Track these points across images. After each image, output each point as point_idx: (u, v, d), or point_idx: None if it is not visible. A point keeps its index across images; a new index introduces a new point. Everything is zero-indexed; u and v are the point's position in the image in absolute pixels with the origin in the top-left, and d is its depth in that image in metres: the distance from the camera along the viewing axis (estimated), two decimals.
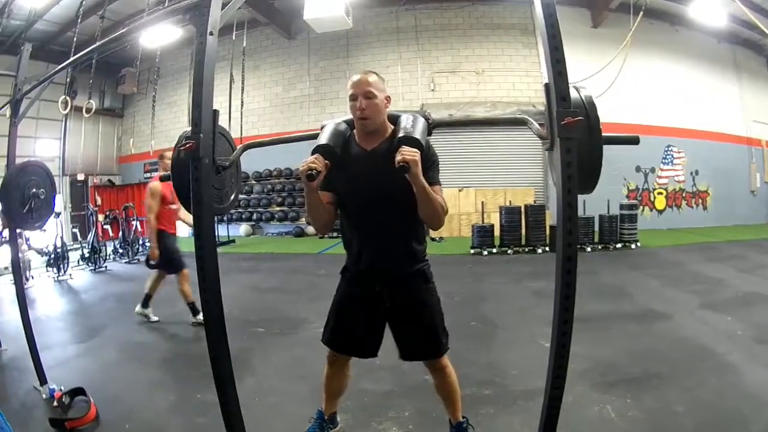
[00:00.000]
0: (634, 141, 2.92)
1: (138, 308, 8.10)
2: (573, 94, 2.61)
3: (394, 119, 3.44)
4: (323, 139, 3.36)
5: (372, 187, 3.33)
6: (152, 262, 7.91)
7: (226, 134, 3.51)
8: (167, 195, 7.75)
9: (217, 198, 3.30)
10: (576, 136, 2.50)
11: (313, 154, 3.26)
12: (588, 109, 2.67)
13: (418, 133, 3.18)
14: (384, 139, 3.41)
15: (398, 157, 2.97)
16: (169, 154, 7.98)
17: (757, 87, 21.38)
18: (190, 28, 16.39)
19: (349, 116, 3.49)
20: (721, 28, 18.47)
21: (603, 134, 2.67)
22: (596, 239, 15.00)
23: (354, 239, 3.55)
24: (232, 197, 3.61)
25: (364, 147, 3.44)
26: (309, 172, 3.10)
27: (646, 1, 15.74)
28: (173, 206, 7.94)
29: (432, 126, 3.43)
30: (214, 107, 2.85)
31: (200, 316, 7.58)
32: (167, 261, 7.87)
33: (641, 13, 15.51)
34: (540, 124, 2.91)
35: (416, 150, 3.03)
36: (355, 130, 3.51)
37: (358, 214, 3.50)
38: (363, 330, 3.59)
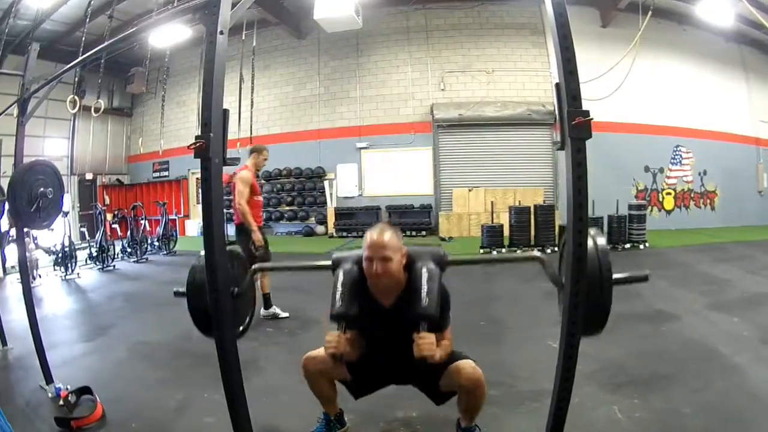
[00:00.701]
0: (643, 279, 3.04)
1: (262, 312, 7.99)
2: (589, 242, 2.73)
3: (409, 263, 3.49)
4: (339, 303, 3.41)
5: (395, 342, 3.40)
6: (257, 251, 7.54)
7: (237, 258, 3.49)
8: (256, 186, 7.96)
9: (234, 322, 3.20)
10: (586, 137, 2.49)
11: (332, 320, 3.41)
12: (600, 256, 2.82)
13: (433, 303, 3.28)
14: (400, 292, 3.50)
15: (416, 351, 3.17)
16: (266, 151, 8.34)
17: (765, 87, 21.23)
18: (200, 27, 16.38)
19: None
20: (728, 28, 18.36)
21: (613, 277, 2.75)
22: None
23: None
24: (248, 320, 3.59)
25: (382, 301, 3.52)
26: (333, 356, 3.34)
27: (654, 0, 15.70)
28: (259, 198, 8.28)
29: (446, 264, 3.53)
30: (224, 107, 2.84)
31: (273, 309, 8.07)
32: (265, 252, 7.80)
33: (650, 12, 15.47)
34: (550, 124, 2.92)
35: (432, 335, 3.23)
36: (368, 279, 3.49)
37: (381, 356, 3.68)
38: (372, 374, 3.80)
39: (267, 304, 8.03)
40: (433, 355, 3.15)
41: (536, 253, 3.23)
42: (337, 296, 3.40)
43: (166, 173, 24.07)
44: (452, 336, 3.60)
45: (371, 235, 3.39)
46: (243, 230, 7.65)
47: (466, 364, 3.48)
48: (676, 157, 20.16)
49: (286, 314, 8.06)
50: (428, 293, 3.28)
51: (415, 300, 3.27)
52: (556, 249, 14.12)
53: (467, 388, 3.49)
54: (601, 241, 2.84)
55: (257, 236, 7.53)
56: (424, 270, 3.37)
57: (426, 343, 3.14)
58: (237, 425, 2.97)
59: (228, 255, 3.09)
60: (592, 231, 2.82)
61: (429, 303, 3.25)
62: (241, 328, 3.43)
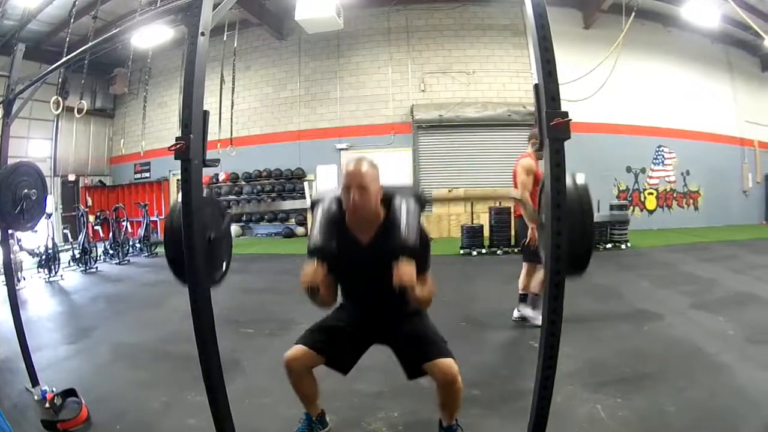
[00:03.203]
0: (625, 222, 3.04)
1: (517, 313, 7.37)
2: (568, 180, 2.67)
3: (387, 198, 3.49)
4: (317, 238, 3.42)
5: (372, 280, 3.39)
6: (530, 248, 6.81)
7: (214, 203, 3.47)
8: (539, 174, 7.00)
9: (210, 269, 3.14)
10: (565, 137, 2.51)
11: (309, 256, 3.38)
12: (581, 194, 2.78)
13: (412, 235, 3.30)
14: (378, 227, 3.48)
15: (395, 280, 3.13)
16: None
17: (751, 87, 21.49)
18: (182, 28, 16.35)
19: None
20: (714, 29, 18.53)
21: (595, 218, 2.75)
22: None
23: (352, 304, 3.75)
24: (224, 267, 3.54)
25: (359, 238, 3.51)
26: (312, 290, 3.28)
27: (638, 1, 15.78)
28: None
29: (426, 202, 3.59)
30: (205, 108, 2.84)
31: (527, 311, 7.25)
32: (534, 249, 6.74)
33: (633, 14, 15.54)
34: (530, 124, 2.96)
35: (412, 265, 3.20)
36: (347, 215, 3.51)
37: (358, 297, 3.70)
38: (344, 343, 3.69)
39: (524, 301, 7.31)
40: (413, 284, 3.15)
41: (514, 193, 3.24)
42: (315, 232, 3.43)
43: (147, 174, 23.97)
44: (432, 281, 3.54)
45: (349, 165, 3.41)
46: (524, 223, 7.17)
47: (443, 362, 3.45)
48: (658, 157, 20.31)
49: (538, 322, 6.66)
50: (407, 227, 3.31)
51: (394, 234, 3.31)
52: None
53: (441, 384, 3.49)
54: (581, 179, 2.82)
55: (534, 234, 6.78)
56: (402, 205, 3.40)
57: (406, 272, 3.14)
58: (219, 426, 2.97)
59: (207, 200, 3.11)
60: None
61: (408, 236, 3.28)
62: (216, 275, 3.36)
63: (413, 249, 3.25)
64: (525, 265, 7.29)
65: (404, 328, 3.62)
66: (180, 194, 2.87)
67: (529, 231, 6.88)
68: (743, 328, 6.74)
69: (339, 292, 3.72)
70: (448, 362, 3.46)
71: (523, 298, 7.32)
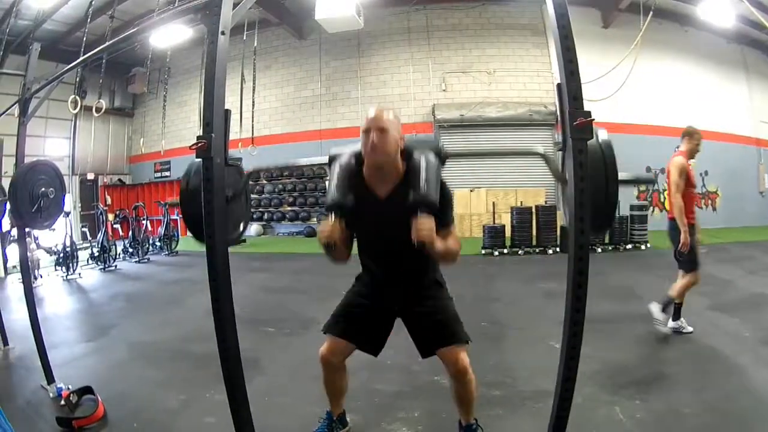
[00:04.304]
0: (650, 182, 2.96)
1: (670, 323, 6.74)
2: (591, 142, 2.60)
3: (407, 155, 3.42)
4: (335, 193, 3.33)
5: (390, 237, 3.36)
6: (681, 256, 6.59)
7: (235, 164, 3.47)
8: (692, 175, 6.83)
9: (228, 228, 3.15)
10: (588, 137, 2.49)
11: (327, 211, 3.30)
12: (605, 152, 2.70)
13: (432, 190, 3.19)
14: (397, 183, 3.40)
15: (414, 235, 3.04)
16: (698, 134, 7.07)
17: (766, 87, 21.26)
18: (201, 27, 16.42)
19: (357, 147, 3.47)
20: (730, 29, 18.37)
21: (619, 177, 2.67)
22: (607, 240, 14.99)
23: (371, 268, 3.65)
24: (242, 227, 3.55)
25: (378, 193, 3.43)
26: (328, 244, 3.18)
27: (655, 1, 15.70)
28: (694, 190, 7.01)
29: (446, 156, 3.45)
30: (226, 107, 2.84)
31: (678, 323, 6.73)
32: (690, 256, 6.59)
33: (651, 13, 15.45)
34: (551, 125, 2.91)
35: (431, 220, 3.09)
36: (365, 169, 3.46)
37: (375, 255, 3.59)
38: (370, 324, 3.63)
39: (675, 314, 6.75)
40: (432, 239, 3.05)
41: (539, 149, 3.14)
42: (332, 187, 3.36)
43: (167, 173, 23.97)
44: (456, 235, 3.43)
45: (370, 110, 3.36)
46: (676, 227, 6.59)
47: (454, 351, 3.44)
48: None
49: (690, 329, 6.72)
50: (427, 181, 3.21)
51: (413, 188, 3.21)
52: (558, 250, 14.15)
53: (452, 373, 3.50)
54: (604, 135, 2.75)
55: (685, 238, 6.43)
56: (422, 159, 3.30)
57: (425, 228, 3.04)
58: (239, 424, 2.97)
59: (230, 163, 3.09)
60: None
61: (428, 189, 3.18)
62: (234, 234, 3.41)
63: (432, 203, 3.15)
64: (681, 273, 6.76)
65: (423, 306, 3.57)
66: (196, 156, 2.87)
67: (681, 235, 6.46)
68: (759, 330, 6.72)
69: (360, 258, 3.68)
70: (459, 353, 3.45)
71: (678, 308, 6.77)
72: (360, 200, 3.36)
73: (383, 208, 3.38)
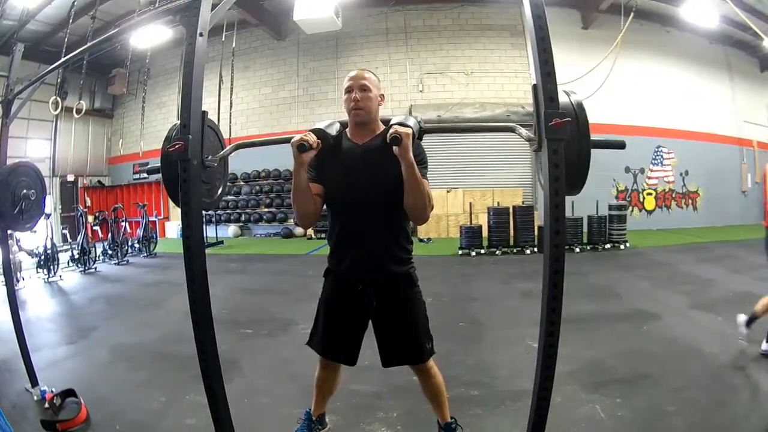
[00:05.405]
0: (621, 146, 2.96)
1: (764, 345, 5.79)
2: (562, 97, 2.64)
3: (387, 122, 3.47)
4: (318, 125, 3.39)
5: (362, 180, 3.35)
6: None
7: (215, 128, 3.49)
8: None
9: (205, 193, 3.26)
10: (564, 138, 2.51)
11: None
12: (577, 112, 2.72)
13: (410, 123, 3.27)
14: (376, 135, 3.46)
15: (390, 131, 3.06)
16: None
17: (749, 88, 21.48)
18: (181, 28, 16.39)
19: (342, 118, 3.58)
20: (713, 30, 18.52)
21: (591, 137, 2.69)
22: (585, 240, 15.06)
23: (339, 237, 3.52)
24: (219, 191, 3.60)
25: (356, 141, 3.49)
26: (302, 142, 3.12)
27: (636, 2, 15.79)
28: None
29: (422, 130, 3.50)
30: (203, 108, 2.85)
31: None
32: None
33: (632, 14, 15.56)
34: (528, 126, 2.92)
35: (409, 128, 3.13)
36: (347, 128, 3.57)
37: (346, 209, 3.48)
38: (349, 332, 3.60)
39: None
40: (407, 133, 3.04)
41: (512, 125, 3.15)
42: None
43: (146, 175, 23.64)
44: (431, 194, 3.32)
45: (352, 71, 3.52)
46: None
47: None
48: (657, 157, 20.30)
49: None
50: (405, 119, 3.35)
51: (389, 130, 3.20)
52: (535, 250, 14.19)
53: (416, 373, 3.63)
54: (577, 97, 2.80)
55: None
56: (400, 116, 3.40)
57: (401, 129, 3.05)
58: (218, 425, 2.97)
59: (208, 126, 3.15)
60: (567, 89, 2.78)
61: (405, 121, 3.30)
62: (209, 200, 3.48)
63: (408, 125, 3.20)
64: None
65: (394, 301, 3.50)
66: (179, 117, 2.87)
67: None
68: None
69: (329, 240, 3.61)
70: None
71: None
72: (338, 144, 3.48)
73: (359, 151, 3.44)
